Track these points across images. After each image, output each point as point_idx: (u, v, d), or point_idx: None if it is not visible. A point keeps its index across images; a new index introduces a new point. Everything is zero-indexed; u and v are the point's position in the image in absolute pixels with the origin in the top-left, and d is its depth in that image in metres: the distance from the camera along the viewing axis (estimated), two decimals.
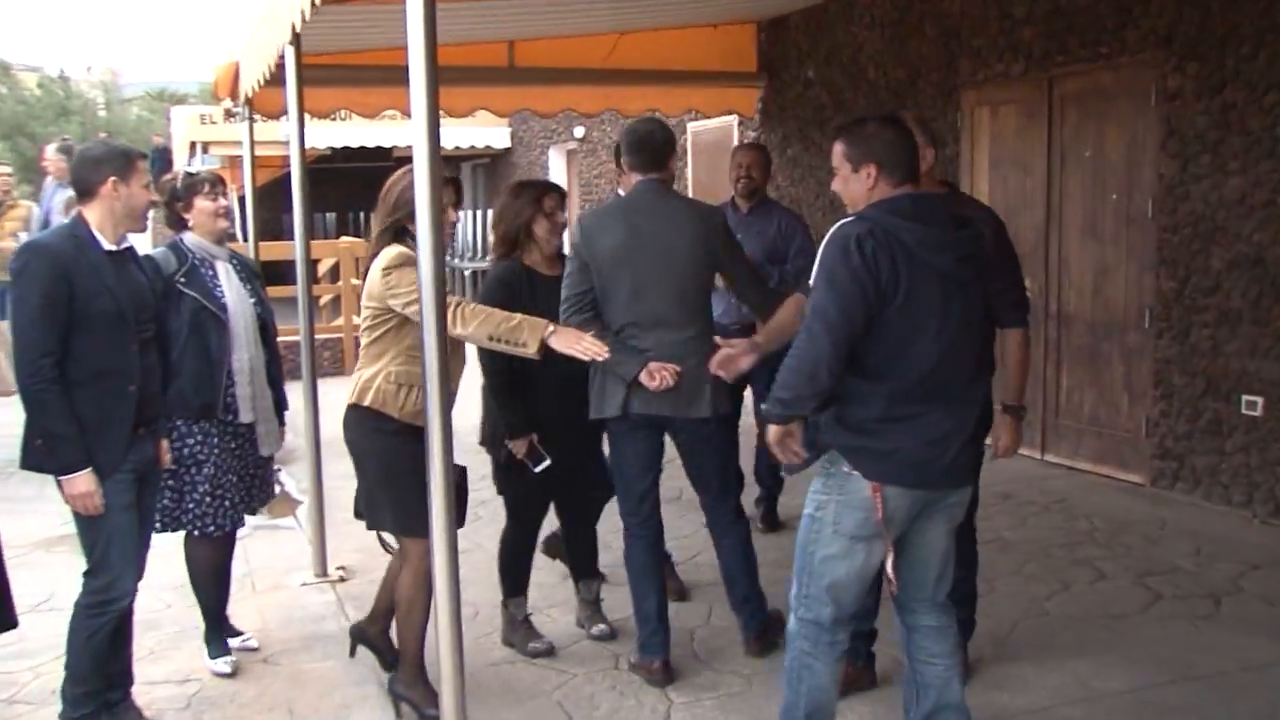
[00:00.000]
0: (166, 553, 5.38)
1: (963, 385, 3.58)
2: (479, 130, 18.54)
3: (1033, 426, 8.44)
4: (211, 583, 5.09)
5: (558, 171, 18.09)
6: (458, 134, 17.79)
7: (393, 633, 4.79)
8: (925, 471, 3.53)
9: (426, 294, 3.33)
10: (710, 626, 5.43)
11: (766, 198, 6.64)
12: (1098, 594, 5.74)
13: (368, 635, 4.97)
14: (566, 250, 4.92)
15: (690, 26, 10.10)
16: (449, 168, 4.68)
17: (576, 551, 5.45)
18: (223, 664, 5.06)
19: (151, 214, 4.50)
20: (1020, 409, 4.56)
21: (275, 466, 5.41)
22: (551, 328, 4.24)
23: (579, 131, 16.57)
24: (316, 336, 6.57)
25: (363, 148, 19.14)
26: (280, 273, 12.31)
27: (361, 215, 22.98)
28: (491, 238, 5.35)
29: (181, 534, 4.95)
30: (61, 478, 4.07)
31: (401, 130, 17.41)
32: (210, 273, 4.89)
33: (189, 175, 5.04)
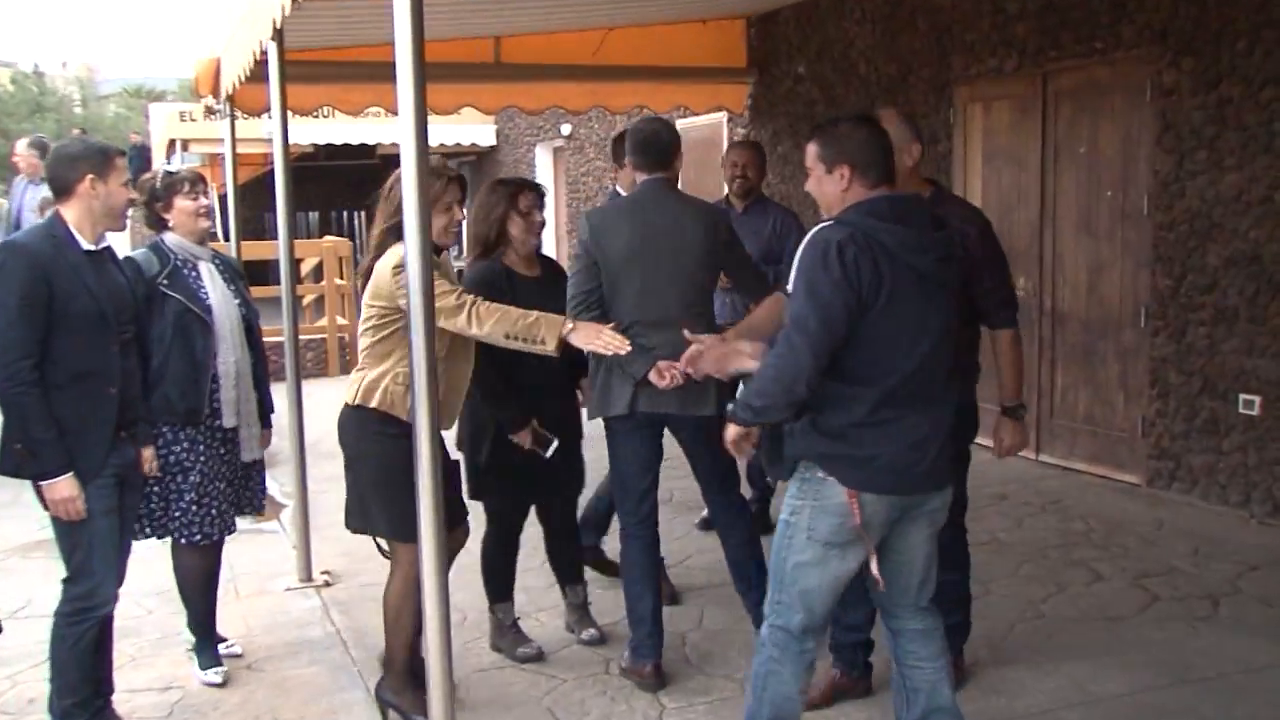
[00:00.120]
0: (147, 558, 5.37)
1: (940, 387, 3.57)
2: (464, 128, 18.51)
3: (1027, 426, 8.42)
4: (200, 592, 5.05)
5: (544, 169, 18.08)
6: (442, 131, 17.76)
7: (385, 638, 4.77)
8: (904, 477, 3.52)
9: (415, 293, 3.33)
10: (703, 630, 5.43)
11: (762, 196, 6.64)
12: (1094, 596, 5.75)
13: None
14: (568, 250, 4.93)
15: (679, 22, 10.10)
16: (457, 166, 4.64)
17: (561, 556, 5.45)
18: (214, 674, 5.02)
19: (131, 214, 4.47)
20: (1019, 408, 4.57)
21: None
22: (570, 324, 4.22)
23: (566, 129, 16.55)
24: (300, 337, 6.55)
25: (346, 145, 19.11)
26: (263, 272, 12.33)
27: (345, 214, 22.99)
28: (465, 237, 5.33)
29: (165, 540, 4.93)
30: (42, 483, 4.04)
31: (386, 127, 17.39)
32: (193, 274, 4.85)
33: (168, 174, 5.00)
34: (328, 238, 16.99)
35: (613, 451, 4.91)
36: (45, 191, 4.46)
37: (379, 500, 4.38)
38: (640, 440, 4.81)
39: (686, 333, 4.22)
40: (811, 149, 3.64)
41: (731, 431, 3.71)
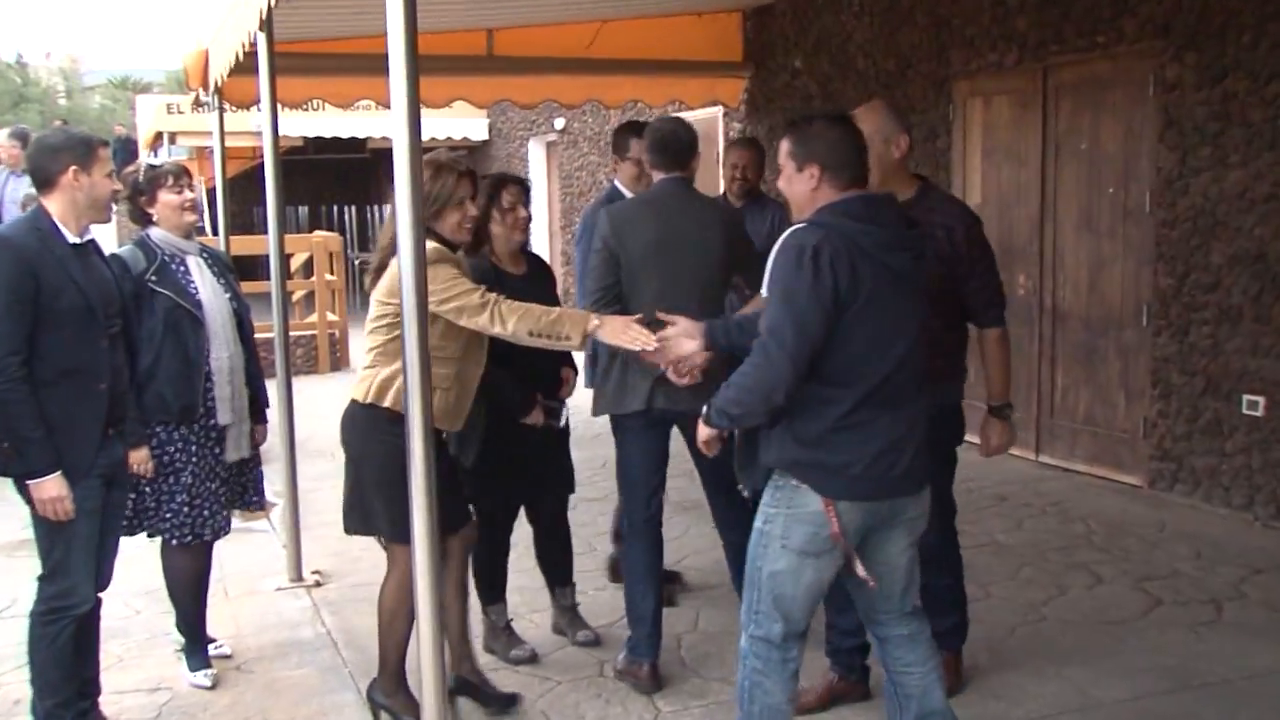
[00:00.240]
0: (136, 557, 5.36)
1: (914, 388, 3.56)
2: (456, 121, 18.47)
3: (1027, 427, 8.47)
4: (189, 593, 5.03)
5: (537, 164, 18.06)
6: (434, 125, 17.70)
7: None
8: (881, 482, 3.50)
9: (408, 291, 3.32)
10: (699, 633, 5.42)
11: (760, 193, 6.62)
12: (1096, 599, 5.75)
13: (465, 680, 4.76)
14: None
15: (674, 15, 10.09)
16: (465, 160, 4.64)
17: (551, 557, 5.43)
18: (203, 677, 5.00)
19: (116, 210, 4.44)
20: (1006, 408, 4.54)
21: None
22: (595, 320, 4.19)
23: (559, 123, 16.53)
24: (290, 334, 6.54)
25: (336, 139, 19.08)
26: (252, 268, 12.30)
27: (336, 208, 22.96)
28: None
29: (154, 539, 4.91)
30: (29, 482, 4.01)
31: (377, 120, 17.35)
32: (182, 269, 4.83)
33: (151, 168, 4.95)
34: (318, 232, 16.95)
35: (623, 449, 4.90)
36: (27, 184, 4.40)
37: (382, 499, 4.33)
38: (652, 438, 4.83)
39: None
40: (783, 146, 3.64)
41: (704, 432, 3.71)
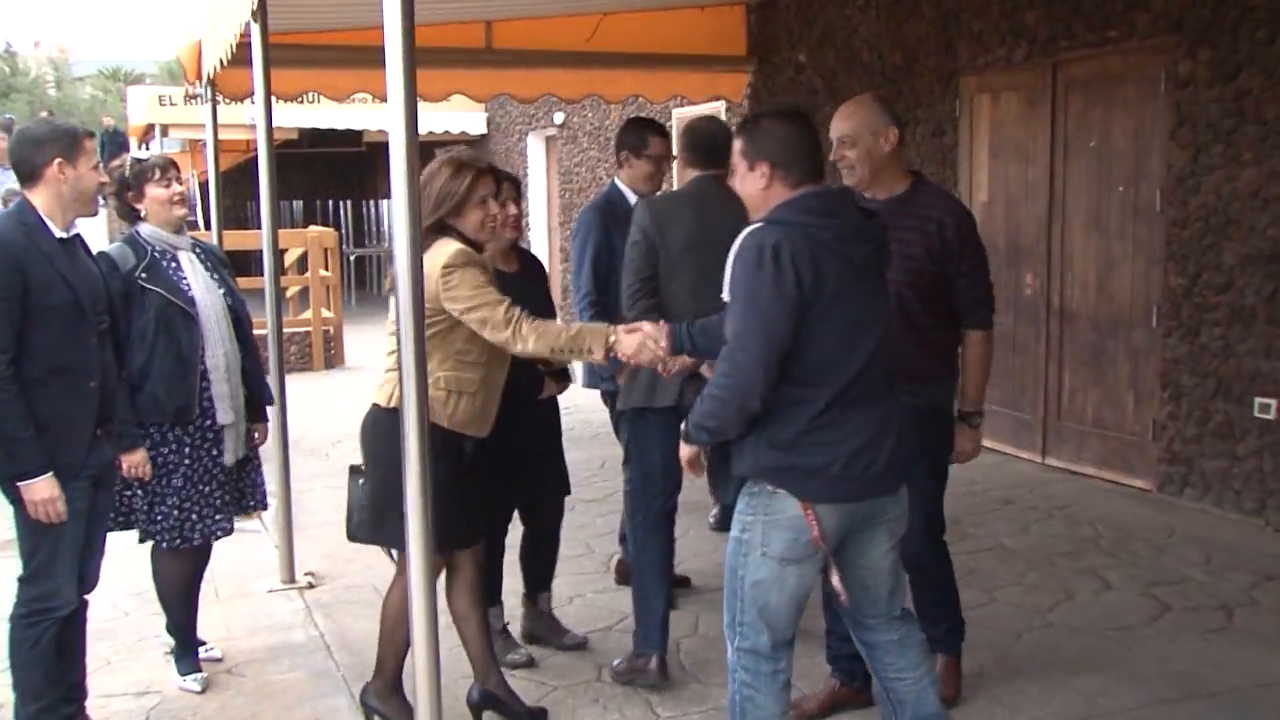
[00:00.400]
0: (125, 558, 5.35)
1: (885, 383, 3.53)
2: (453, 115, 18.45)
3: (1034, 429, 8.46)
4: (179, 597, 5.01)
5: (536, 159, 18.04)
6: (431, 119, 17.68)
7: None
8: (859, 482, 3.47)
9: (404, 289, 3.31)
10: (698, 637, 5.41)
11: None
12: (1103, 605, 5.74)
13: (490, 694, 4.70)
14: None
15: (676, 8, 10.07)
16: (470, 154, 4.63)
17: (540, 561, 5.40)
18: (192, 681, 4.99)
19: (105, 206, 4.41)
20: (976, 415, 4.49)
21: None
22: (613, 334, 4.15)
23: (559, 117, 16.51)
24: (284, 331, 6.53)
25: (332, 131, 19.06)
26: (245, 263, 12.29)
27: (331, 203, 22.95)
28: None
29: (137, 539, 4.89)
30: (20, 483, 3.97)
31: (373, 114, 17.35)
32: (173, 265, 4.81)
33: (137, 161, 4.92)
34: (312, 227, 16.95)
35: (647, 442, 4.88)
36: (11, 179, 4.36)
37: (399, 508, 4.29)
38: (677, 434, 4.81)
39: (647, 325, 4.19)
40: (736, 144, 3.64)
41: (686, 451, 3.70)
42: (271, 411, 6.05)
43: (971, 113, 8.97)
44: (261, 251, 6.34)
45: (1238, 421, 7.02)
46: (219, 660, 5.25)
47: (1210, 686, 4.81)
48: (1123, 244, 7.80)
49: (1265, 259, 6.76)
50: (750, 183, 3.58)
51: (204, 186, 9.04)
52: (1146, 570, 6.20)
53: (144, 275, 4.69)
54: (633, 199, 5.66)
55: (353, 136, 20.69)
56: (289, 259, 15.30)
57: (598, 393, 6.05)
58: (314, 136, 21.06)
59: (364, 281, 22.90)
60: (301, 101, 13.62)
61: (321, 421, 10.56)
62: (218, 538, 4.96)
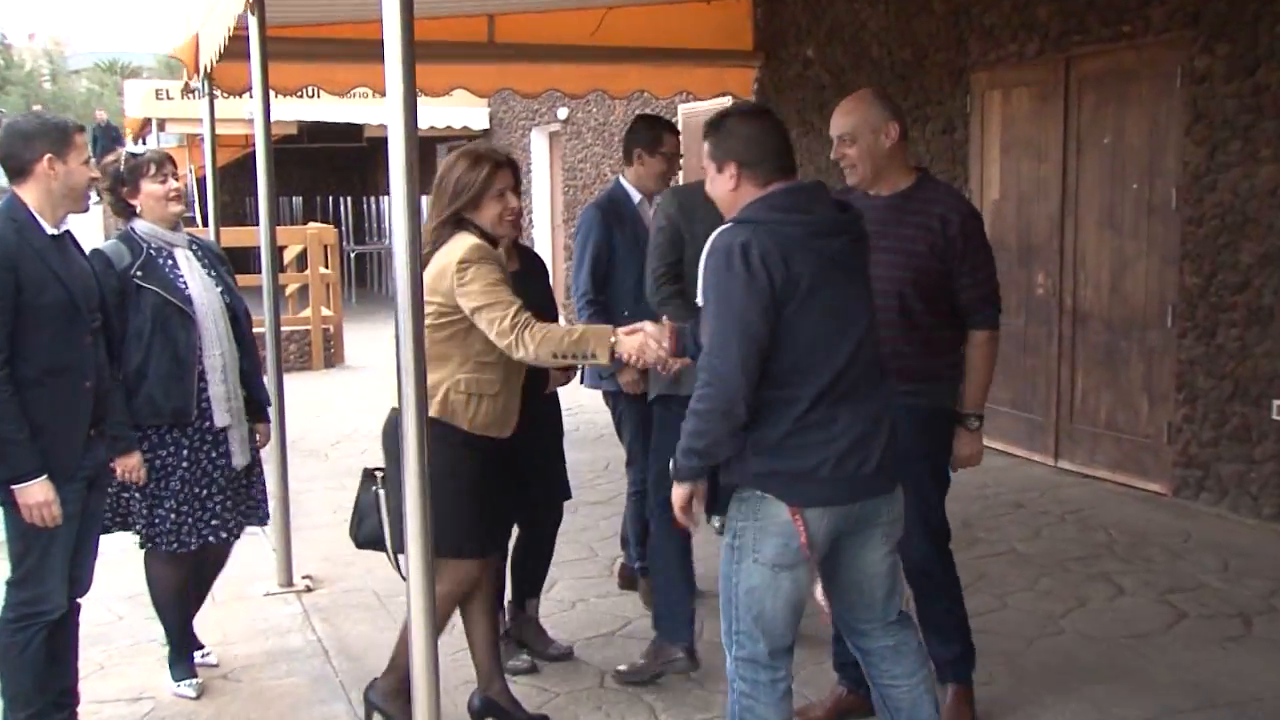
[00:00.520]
0: (119, 560, 5.34)
1: (874, 379, 3.50)
2: (456, 110, 18.45)
3: (1046, 431, 8.43)
4: (173, 602, 4.97)
5: (540, 155, 18.04)
6: (433, 114, 17.70)
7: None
8: (850, 484, 3.42)
9: (402, 287, 3.29)
10: (703, 642, 5.36)
11: None
12: (1117, 612, 5.72)
13: (492, 702, 4.68)
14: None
15: (682, 1, 10.04)
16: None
17: (533, 566, 5.36)
18: (187, 687, 4.96)
19: (101, 203, 4.39)
20: (971, 418, 4.39)
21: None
22: (615, 336, 4.13)
23: (563, 113, 16.52)
24: (283, 329, 6.51)
25: (333, 126, 19.06)
26: (244, 260, 12.28)
27: (331, 199, 22.95)
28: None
29: (133, 541, 4.87)
30: (15, 486, 3.93)
31: (375, 108, 17.34)
32: (169, 262, 4.77)
33: (132, 156, 4.88)
34: (312, 224, 16.95)
35: (667, 433, 4.84)
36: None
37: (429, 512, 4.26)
38: None
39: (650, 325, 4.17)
40: (705, 146, 3.62)
41: (678, 496, 3.52)
42: (270, 412, 6.05)
43: (983, 109, 8.94)
44: (260, 248, 6.32)
45: (1255, 424, 6.99)
46: (215, 666, 5.22)
47: (1227, 696, 4.77)
48: (1137, 243, 7.77)
49: None
50: (720, 184, 3.57)
51: (201, 182, 9.02)
52: (1162, 576, 6.17)
53: (140, 273, 4.66)
54: (637, 198, 5.65)
55: (354, 131, 20.70)
56: (288, 256, 15.30)
57: (600, 394, 6.03)
58: (314, 131, 21.07)
59: (364, 279, 22.91)
60: (301, 96, 13.62)
61: (321, 422, 10.53)
62: (220, 540, 4.92)
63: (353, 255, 21.90)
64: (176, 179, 4.91)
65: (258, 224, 6.31)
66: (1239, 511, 7.09)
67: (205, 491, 4.81)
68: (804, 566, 3.47)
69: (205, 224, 8.37)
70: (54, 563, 4.10)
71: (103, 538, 4.52)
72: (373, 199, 22.64)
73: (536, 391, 4.98)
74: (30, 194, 4.06)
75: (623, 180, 5.75)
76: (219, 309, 4.85)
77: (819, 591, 3.50)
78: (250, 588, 6.23)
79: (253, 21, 5.90)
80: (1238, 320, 7.05)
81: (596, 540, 6.87)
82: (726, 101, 11.96)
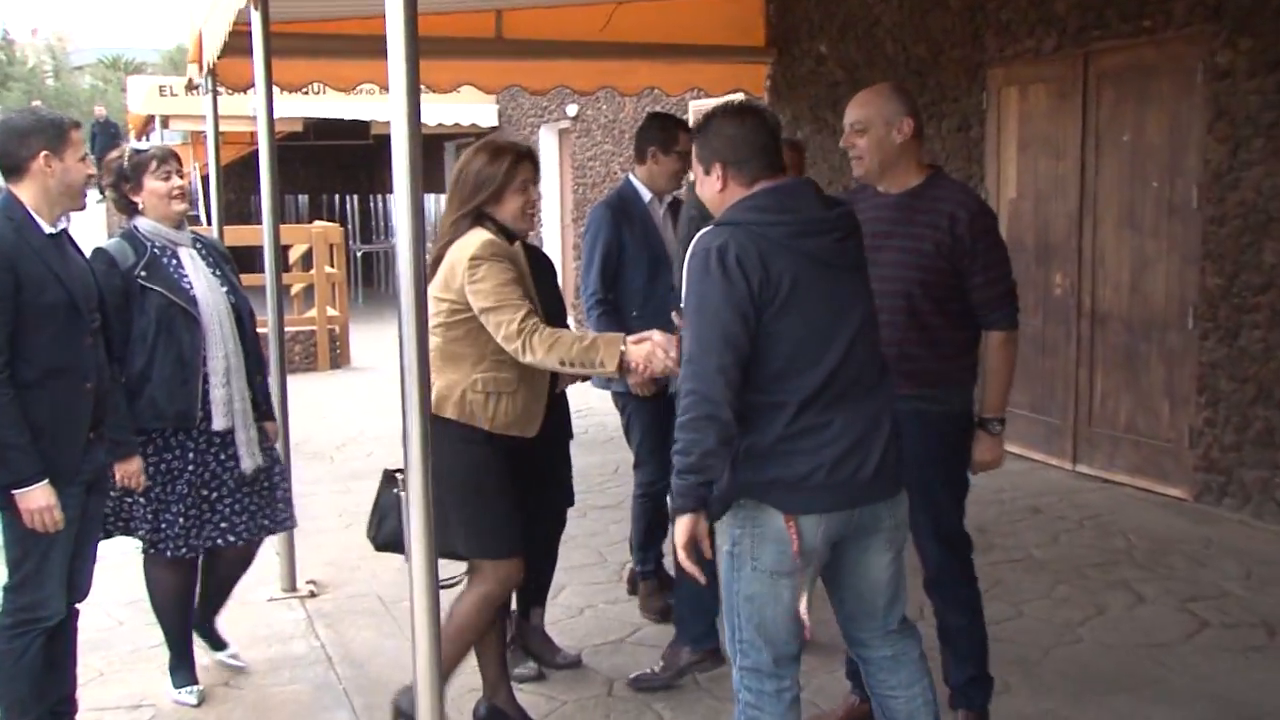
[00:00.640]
0: (119, 565, 5.33)
1: (872, 380, 3.46)
2: (463, 107, 18.45)
3: (1064, 435, 8.40)
4: (175, 607, 4.97)
5: (549, 153, 18.03)
6: (440, 110, 17.70)
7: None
8: (846, 489, 3.38)
9: (405, 285, 3.29)
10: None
11: None
12: (1137, 620, 5.69)
13: (498, 710, 4.68)
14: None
15: None
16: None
17: (539, 573, 5.33)
18: (187, 694, 4.96)
19: (103, 200, 4.38)
20: (993, 422, 4.31)
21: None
22: (624, 344, 4.12)
23: (572, 110, 16.50)
24: (287, 329, 6.51)
25: (339, 123, 19.07)
26: (248, 259, 12.29)
27: (337, 198, 22.98)
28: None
29: (133, 545, 4.86)
30: (15, 491, 3.92)
31: (381, 105, 17.29)
32: (173, 262, 4.75)
33: (136, 152, 4.87)
34: (317, 223, 16.96)
35: None
36: None
37: (458, 516, 4.23)
38: None
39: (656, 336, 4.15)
40: (693, 149, 3.62)
41: (681, 533, 3.35)
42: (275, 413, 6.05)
43: (999, 106, 8.91)
44: (264, 247, 6.31)
45: (1279, 429, 6.95)
46: (242, 668, 5.23)
47: (1249, 708, 4.75)
48: (1157, 242, 7.74)
49: None
50: (708, 185, 3.55)
51: (205, 180, 9.02)
52: (1182, 584, 6.14)
53: (144, 274, 4.64)
54: (647, 196, 5.65)
55: (360, 129, 20.71)
56: (294, 255, 15.31)
57: (610, 395, 6.01)
58: (319, 129, 21.09)
59: (371, 279, 22.91)
60: (307, 92, 13.65)
61: (326, 424, 10.52)
62: (229, 543, 4.89)
63: (359, 254, 21.92)
64: (181, 176, 4.89)
65: (262, 223, 6.30)
66: (1262, 518, 7.05)
67: (214, 495, 4.80)
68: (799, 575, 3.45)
69: (209, 222, 8.35)
70: (52, 568, 4.08)
71: (102, 542, 4.52)
72: (379, 197, 22.66)
73: (550, 386, 4.99)
74: (27, 192, 4.04)
75: (633, 178, 5.74)
76: (224, 310, 4.83)
77: (803, 607, 3.45)
78: (253, 592, 6.20)
79: (256, 17, 5.90)
80: (1261, 322, 7.01)
81: (605, 545, 6.86)
82: (739, 98, 11.96)
